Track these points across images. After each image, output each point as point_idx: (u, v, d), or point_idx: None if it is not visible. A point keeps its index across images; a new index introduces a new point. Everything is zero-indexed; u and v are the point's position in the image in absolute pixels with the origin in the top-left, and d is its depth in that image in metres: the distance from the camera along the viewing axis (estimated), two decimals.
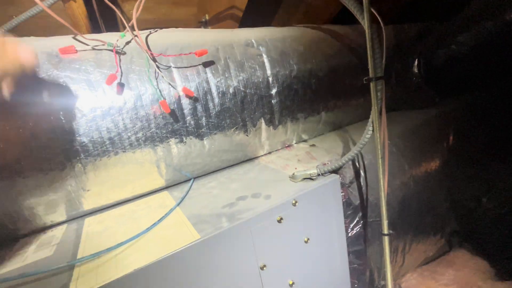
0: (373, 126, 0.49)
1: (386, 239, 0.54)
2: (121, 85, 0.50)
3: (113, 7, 0.55)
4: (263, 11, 1.09)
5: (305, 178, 0.56)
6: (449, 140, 1.00)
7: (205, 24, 1.07)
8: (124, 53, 0.52)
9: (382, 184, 0.52)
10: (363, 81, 0.47)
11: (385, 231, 0.53)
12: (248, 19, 0.99)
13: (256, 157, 0.78)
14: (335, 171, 0.57)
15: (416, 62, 1.05)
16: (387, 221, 0.53)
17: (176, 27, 0.69)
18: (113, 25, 0.88)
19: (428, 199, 0.92)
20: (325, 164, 0.67)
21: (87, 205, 0.55)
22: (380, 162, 0.50)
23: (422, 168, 0.89)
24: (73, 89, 0.47)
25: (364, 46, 0.45)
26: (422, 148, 0.92)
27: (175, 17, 1.14)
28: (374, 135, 0.50)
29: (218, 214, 0.47)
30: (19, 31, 0.70)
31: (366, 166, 0.71)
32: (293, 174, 0.57)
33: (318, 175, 0.55)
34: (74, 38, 0.52)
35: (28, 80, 0.44)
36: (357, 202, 0.69)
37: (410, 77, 1.05)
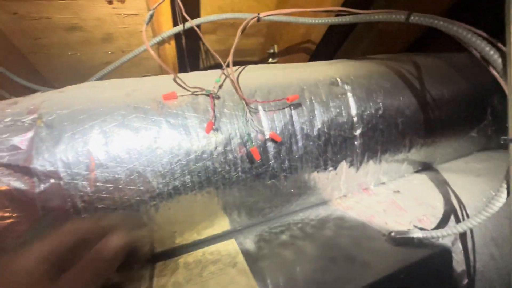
0: (508, 192, 0.40)
1: None
2: (215, 130, 0.50)
3: (209, 47, 0.56)
4: (333, 43, 1.06)
5: (405, 241, 0.48)
6: None
7: (273, 56, 1.07)
8: (218, 98, 0.53)
9: None
10: (453, 117, 0.38)
11: None
12: (320, 52, 0.96)
13: (330, 200, 0.72)
14: (445, 237, 0.48)
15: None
16: None
17: (246, 59, 0.69)
18: (195, 63, 0.93)
19: None
20: (420, 220, 0.58)
21: (173, 244, 0.55)
22: None
23: None
24: (172, 134, 0.49)
25: (462, 79, 0.37)
26: None
27: (242, 47, 1.17)
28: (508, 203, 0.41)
29: (310, 281, 0.43)
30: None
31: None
32: (390, 234, 0.50)
33: (425, 240, 0.47)
34: (173, 80, 0.55)
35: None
36: (459, 269, 0.58)
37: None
